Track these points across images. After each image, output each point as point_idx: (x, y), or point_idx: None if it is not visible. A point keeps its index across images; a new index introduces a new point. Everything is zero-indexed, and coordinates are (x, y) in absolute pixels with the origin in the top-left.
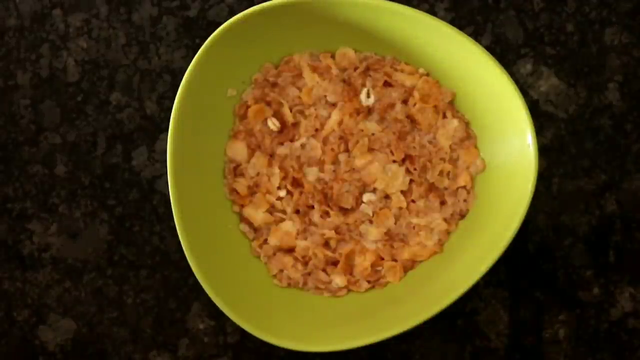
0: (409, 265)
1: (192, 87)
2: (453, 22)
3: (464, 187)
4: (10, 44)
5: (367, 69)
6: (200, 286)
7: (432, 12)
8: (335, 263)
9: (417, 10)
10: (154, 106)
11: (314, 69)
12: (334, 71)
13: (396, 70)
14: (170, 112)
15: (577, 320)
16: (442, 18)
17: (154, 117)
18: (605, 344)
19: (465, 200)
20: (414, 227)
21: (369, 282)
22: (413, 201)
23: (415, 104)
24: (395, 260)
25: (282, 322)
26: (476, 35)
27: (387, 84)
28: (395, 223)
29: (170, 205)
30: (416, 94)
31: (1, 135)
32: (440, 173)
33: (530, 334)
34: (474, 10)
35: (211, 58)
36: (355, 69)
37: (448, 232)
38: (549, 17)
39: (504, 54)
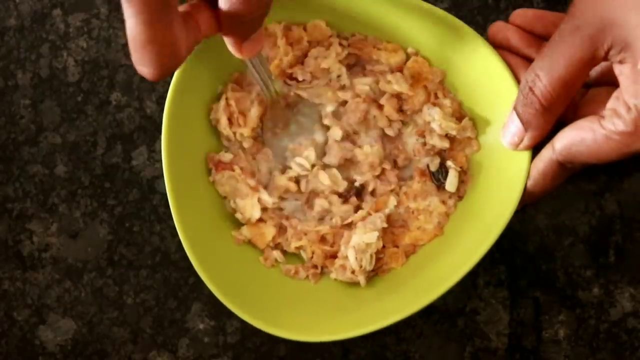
0: (411, 250)
1: (184, 83)
2: None
3: (461, 168)
4: (10, 44)
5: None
6: (200, 286)
7: None
8: (334, 256)
9: None
10: (154, 106)
11: (287, 37)
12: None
13: (379, 49)
14: None
15: (577, 320)
16: None
17: (154, 117)
18: (605, 344)
19: (462, 182)
20: (413, 212)
21: (372, 270)
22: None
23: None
24: (397, 247)
25: (284, 312)
26: None
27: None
28: (389, 218)
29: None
30: (406, 72)
31: (1, 135)
32: (433, 155)
33: (530, 334)
34: (474, 10)
35: (202, 53)
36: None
37: (447, 215)
38: None
39: None
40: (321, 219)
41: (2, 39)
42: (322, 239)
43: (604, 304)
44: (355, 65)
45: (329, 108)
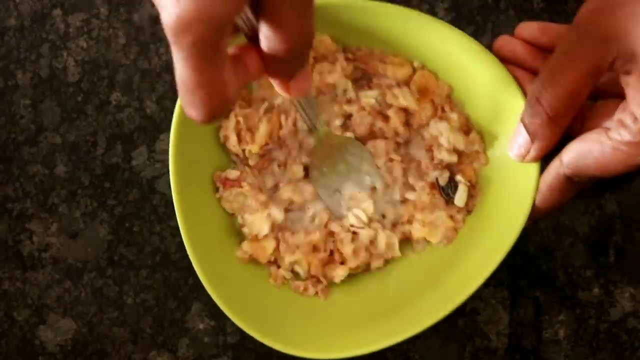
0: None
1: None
2: (453, 22)
3: (470, 182)
4: (10, 44)
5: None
6: (200, 286)
7: (432, 12)
8: (330, 262)
9: (410, 9)
10: (154, 106)
11: None
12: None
13: (385, 63)
14: (170, 112)
15: (577, 320)
16: (442, 18)
17: (154, 117)
18: (605, 344)
19: (471, 196)
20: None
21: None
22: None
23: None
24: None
25: (289, 328)
26: (476, 36)
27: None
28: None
29: (170, 205)
30: (413, 87)
31: (1, 135)
32: (442, 169)
33: (530, 334)
34: (474, 10)
35: None
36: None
37: (455, 230)
38: (549, 17)
39: None
40: (313, 220)
41: (2, 39)
42: (315, 248)
43: (604, 304)
44: (362, 78)
45: (337, 122)
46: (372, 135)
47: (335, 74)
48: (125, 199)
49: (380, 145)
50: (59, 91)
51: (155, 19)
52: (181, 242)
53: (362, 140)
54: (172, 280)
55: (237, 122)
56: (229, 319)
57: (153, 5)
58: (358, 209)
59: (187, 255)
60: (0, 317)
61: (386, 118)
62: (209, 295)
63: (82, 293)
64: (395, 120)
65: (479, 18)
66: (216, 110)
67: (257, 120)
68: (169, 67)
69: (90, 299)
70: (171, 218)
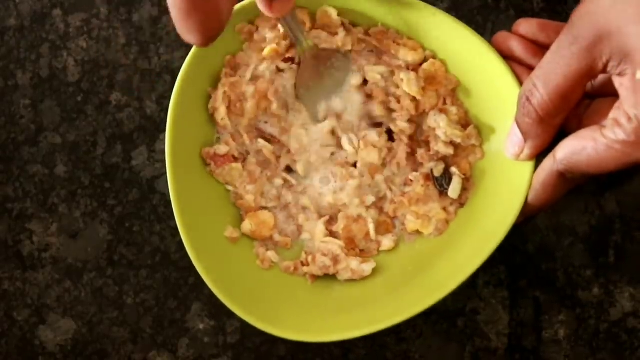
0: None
1: (188, 84)
2: None
3: (464, 175)
4: (10, 44)
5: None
6: (200, 286)
7: None
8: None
9: (420, 2)
10: (154, 106)
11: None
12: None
13: (398, 44)
14: None
15: (577, 320)
16: None
17: (154, 117)
18: (605, 344)
19: (465, 189)
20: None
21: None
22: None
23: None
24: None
25: (283, 312)
26: None
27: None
28: (395, 215)
29: (170, 205)
30: (421, 74)
31: (1, 135)
32: (437, 160)
33: (530, 334)
34: (474, 10)
35: (205, 55)
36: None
37: (447, 222)
38: (549, 17)
39: None
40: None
41: (2, 39)
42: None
43: (604, 304)
44: (372, 52)
45: (354, 81)
46: (388, 111)
47: (338, 38)
48: (125, 199)
49: (403, 125)
50: (59, 91)
51: (155, 19)
52: (181, 242)
53: (378, 117)
54: (172, 280)
55: (225, 93)
56: (229, 319)
57: (153, 4)
58: (352, 134)
59: (187, 255)
60: (0, 317)
61: (398, 98)
62: (209, 295)
63: (82, 293)
64: (409, 103)
65: (479, 18)
66: (213, 31)
67: (243, 89)
68: (169, 67)
69: (90, 299)
70: (171, 218)
